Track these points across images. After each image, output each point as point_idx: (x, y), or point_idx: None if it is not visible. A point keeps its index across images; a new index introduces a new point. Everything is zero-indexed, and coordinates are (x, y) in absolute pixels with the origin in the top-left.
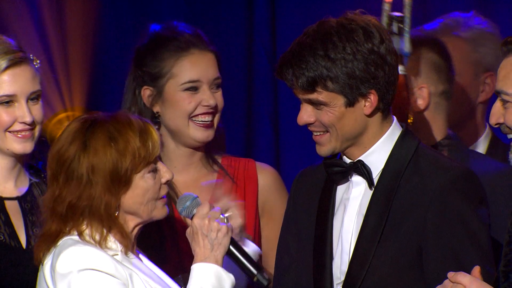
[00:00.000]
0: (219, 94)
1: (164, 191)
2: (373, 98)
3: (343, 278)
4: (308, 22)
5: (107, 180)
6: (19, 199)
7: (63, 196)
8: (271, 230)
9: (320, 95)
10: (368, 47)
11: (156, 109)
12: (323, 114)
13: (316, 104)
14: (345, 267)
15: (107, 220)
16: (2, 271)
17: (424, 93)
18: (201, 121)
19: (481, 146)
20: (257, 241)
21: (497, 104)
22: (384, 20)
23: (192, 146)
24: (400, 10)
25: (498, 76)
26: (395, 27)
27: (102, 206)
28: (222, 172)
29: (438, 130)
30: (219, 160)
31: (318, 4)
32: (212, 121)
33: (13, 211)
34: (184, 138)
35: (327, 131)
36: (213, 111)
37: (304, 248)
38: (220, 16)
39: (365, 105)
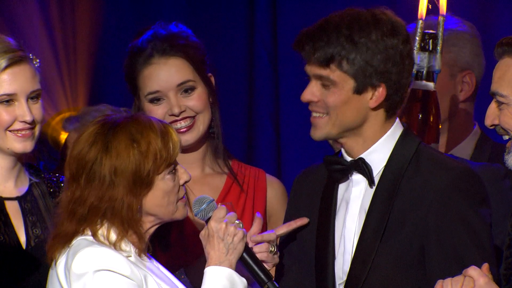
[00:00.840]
0: (192, 97)
1: (182, 192)
2: (381, 91)
3: (345, 278)
4: (309, 22)
5: (130, 182)
6: (19, 199)
7: (84, 197)
8: None
9: (332, 73)
10: (392, 42)
11: None
12: (329, 94)
13: (325, 81)
14: (347, 267)
15: (127, 222)
16: (1, 271)
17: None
18: (176, 128)
19: (468, 146)
20: None
21: (492, 106)
22: (418, 36)
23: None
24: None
25: (493, 78)
26: (429, 44)
27: (124, 208)
28: (231, 176)
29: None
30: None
31: (319, 5)
32: (190, 125)
33: (13, 211)
34: None
35: (327, 114)
36: (184, 116)
37: (306, 248)
38: (221, 16)
39: (371, 97)
